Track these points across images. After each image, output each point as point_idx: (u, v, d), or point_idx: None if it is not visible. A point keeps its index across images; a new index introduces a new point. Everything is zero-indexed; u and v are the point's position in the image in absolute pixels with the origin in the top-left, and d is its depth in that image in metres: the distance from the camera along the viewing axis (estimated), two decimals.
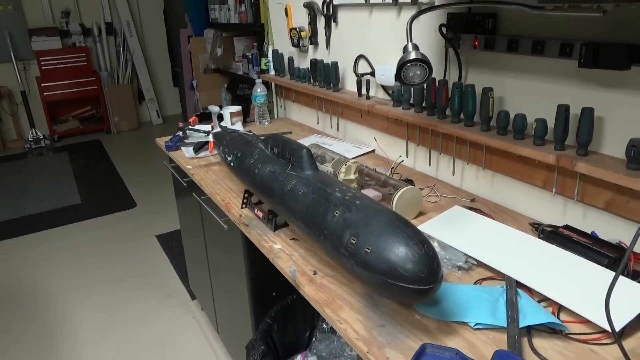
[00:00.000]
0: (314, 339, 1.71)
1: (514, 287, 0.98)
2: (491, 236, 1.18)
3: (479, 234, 1.19)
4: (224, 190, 1.60)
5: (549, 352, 0.84)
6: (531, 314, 0.90)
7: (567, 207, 1.22)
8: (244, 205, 1.47)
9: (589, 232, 1.14)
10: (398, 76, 1.05)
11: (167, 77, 6.21)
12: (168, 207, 3.73)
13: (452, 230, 1.21)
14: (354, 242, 0.91)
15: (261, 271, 1.58)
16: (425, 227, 1.25)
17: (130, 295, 2.75)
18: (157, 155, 4.95)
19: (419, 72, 1.04)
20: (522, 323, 0.88)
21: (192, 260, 2.39)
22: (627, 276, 0.98)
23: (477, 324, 0.91)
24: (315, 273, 1.11)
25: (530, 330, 0.89)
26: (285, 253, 1.21)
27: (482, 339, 0.88)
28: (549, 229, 1.16)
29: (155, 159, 4.94)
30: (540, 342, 0.86)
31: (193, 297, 2.68)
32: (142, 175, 4.59)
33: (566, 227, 1.15)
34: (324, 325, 1.71)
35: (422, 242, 0.86)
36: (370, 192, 1.43)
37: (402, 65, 1.04)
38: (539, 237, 1.16)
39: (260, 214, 1.37)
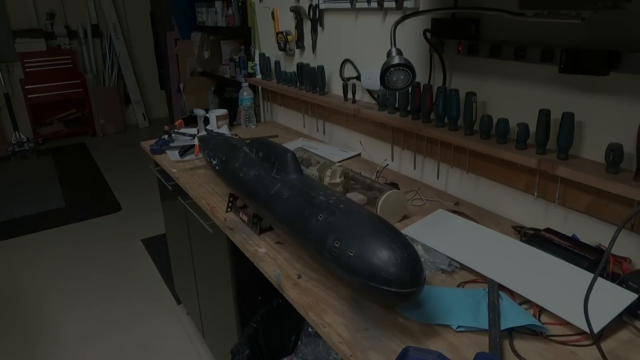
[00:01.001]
0: (299, 342, 1.71)
1: (496, 289, 0.99)
2: (474, 239, 1.19)
3: (463, 237, 1.20)
4: (209, 194, 1.60)
5: (529, 354, 0.85)
6: (512, 316, 0.91)
7: (549, 210, 1.23)
8: (228, 209, 1.46)
9: (569, 235, 1.15)
10: (382, 81, 1.05)
11: (154, 79, 6.17)
12: (154, 211, 3.71)
13: (436, 234, 1.22)
14: (337, 245, 0.91)
15: (246, 275, 1.58)
16: (409, 230, 1.26)
17: (114, 300, 2.72)
18: (142, 159, 4.93)
19: (402, 76, 1.04)
20: (504, 325, 0.89)
21: (178, 265, 2.37)
22: (606, 278, 0.99)
23: (459, 326, 0.91)
24: (299, 277, 1.11)
25: (511, 333, 0.89)
26: (270, 257, 1.21)
27: (464, 342, 0.88)
28: (530, 232, 1.18)
29: (140, 162, 4.90)
30: (521, 344, 0.87)
31: (179, 302, 2.66)
32: (127, 178, 4.55)
33: (547, 230, 1.16)
34: (310, 329, 1.70)
35: (404, 245, 0.87)
36: (355, 196, 1.44)
37: (385, 70, 1.04)
38: (521, 240, 1.17)
39: (245, 218, 1.37)
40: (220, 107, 4.36)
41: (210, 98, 4.44)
